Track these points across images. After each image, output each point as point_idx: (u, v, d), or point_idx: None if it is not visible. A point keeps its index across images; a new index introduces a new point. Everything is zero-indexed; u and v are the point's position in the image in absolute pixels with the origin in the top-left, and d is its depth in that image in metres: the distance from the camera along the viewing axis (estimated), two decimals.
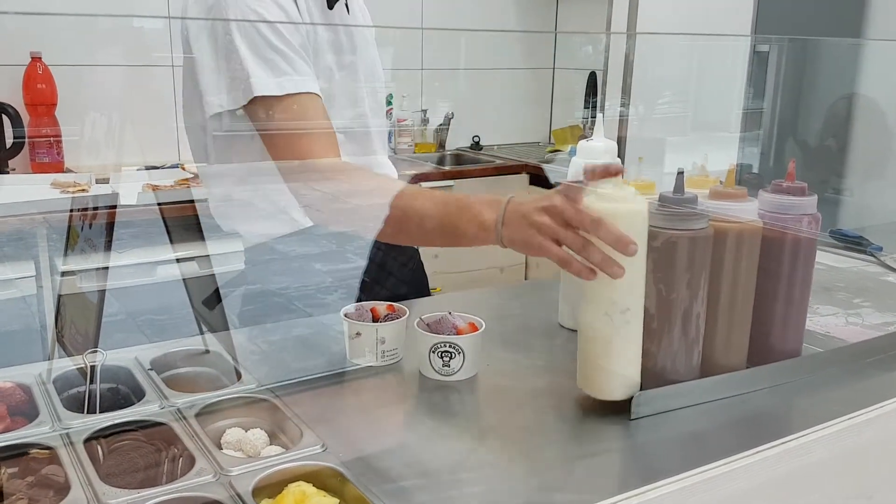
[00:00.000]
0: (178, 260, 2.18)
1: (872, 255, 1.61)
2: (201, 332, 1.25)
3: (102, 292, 1.79)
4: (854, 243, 1.66)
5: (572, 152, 2.92)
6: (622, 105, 2.47)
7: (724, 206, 0.95)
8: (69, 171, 2.38)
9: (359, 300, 1.13)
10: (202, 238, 2.18)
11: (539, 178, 2.95)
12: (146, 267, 2.22)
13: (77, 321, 1.48)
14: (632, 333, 0.90)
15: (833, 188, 2.61)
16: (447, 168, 3.10)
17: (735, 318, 0.98)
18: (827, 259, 1.60)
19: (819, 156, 2.66)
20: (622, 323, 0.89)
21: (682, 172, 0.93)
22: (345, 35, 1.29)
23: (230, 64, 1.13)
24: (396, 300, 1.14)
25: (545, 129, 3.49)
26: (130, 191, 2.11)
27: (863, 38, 2.78)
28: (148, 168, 2.49)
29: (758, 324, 1.01)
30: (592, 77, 3.07)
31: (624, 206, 0.86)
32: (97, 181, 2.13)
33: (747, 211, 0.96)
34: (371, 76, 1.34)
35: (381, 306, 1.10)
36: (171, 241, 2.12)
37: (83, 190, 2.07)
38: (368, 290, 1.37)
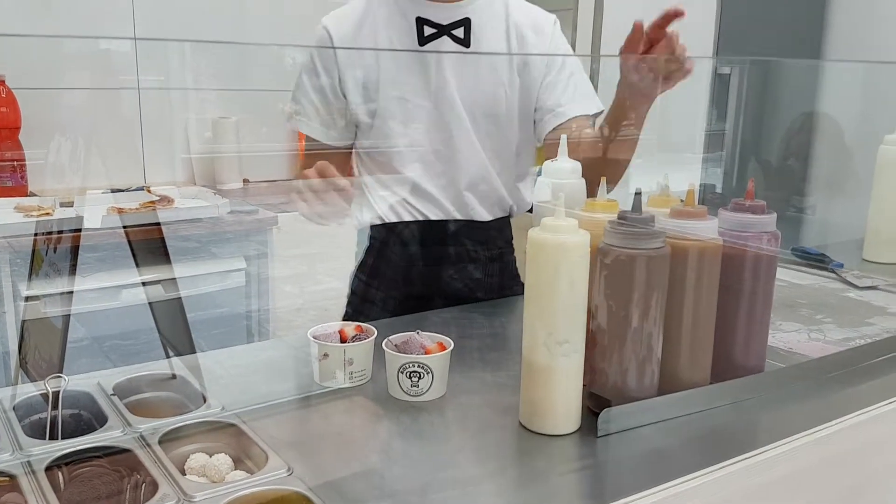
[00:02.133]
0: (143, 283, 2.16)
1: (833, 271, 1.64)
2: (167, 356, 1.24)
3: (67, 317, 1.77)
4: (816, 260, 1.69)
5: (539, 172, 2.94)
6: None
7: (685, 224, 0.97)
8: (33, 194, 2.34)
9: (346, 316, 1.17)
10: (168, 261, 2.16)
11: None
12: (111, 291, 2.19)
13: (41, 347, 1.45)
14: (571, 366, 0.91)
15: (795, 206, 2.66)
16: None
17: (698, 334, 1.00)
18: (789, 276, 1.63)
19: (781, 174, 2.72)
20: (560, 356, 0.89)
21: (640, 193, 0.94)
22: (433, 67, 1.38)
23: None
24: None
25: None
26: (95, 214, 2.09)
27: (822, 60, 2.86)
28: (113, 191, 2.47)
29: (721, 340, 1.02)
30: None
31: (567, 238, 0.88)
32: (61, 205, 2.11)
33: (707, 229, 0.98)
34: (476, 100, 1.40)
35: (350, 327, 1.09)
36: (137, 265, 2.10)
37: (47, 214, 2.04)
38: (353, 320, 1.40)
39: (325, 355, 1.04)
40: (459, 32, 1.39)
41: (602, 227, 0.95)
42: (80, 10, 2.46)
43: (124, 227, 2.10)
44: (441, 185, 1.42)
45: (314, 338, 1.06)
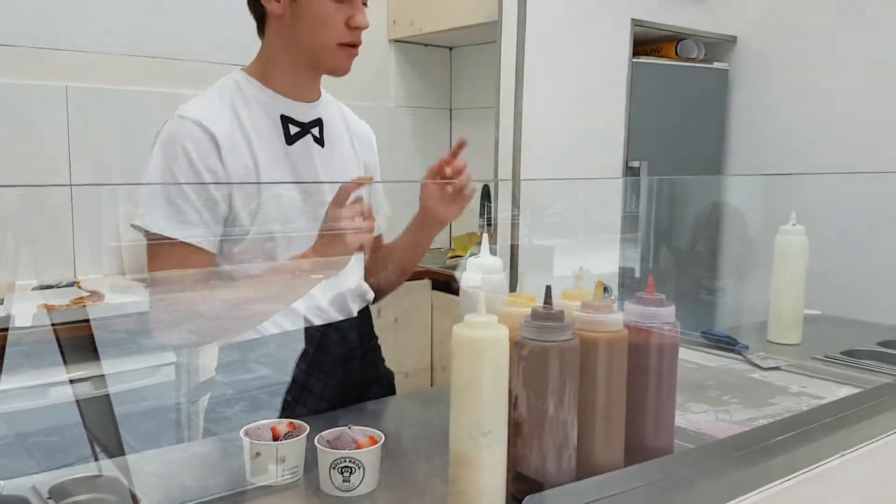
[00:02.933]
0: (71, 381, 2.13)
1: (740, 353, 1.75)
2: (95, 458, 1.25)
3: None
4: (724, 343, 1.81)
5: (471, 257, 3.03)
6: (513, 215, 2.63)
7: (594, 317, 1.06)
8: None
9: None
10: (97, 357, 2.15)
11: (441, 283, 3.05)
12: (38, 389, 2.15)
13: None
14: (495, 455, 0.97)
15: (707, 289, 2.82)
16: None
17: (610, 420, 1.07)
18: (698, 358, 1.74)
19: (692, 260, 2.88)
20: (485, 446, 0.96)
21: (550, 286, 1.03)
22: (303, 165, 1.43)
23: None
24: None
25: (445, 237, 3.64)
26: (25, 311, 2.08)
27: (723, 174, 3.09)
28: (43, 287, 2.45)
29: (631, 424, 1.10)
30: (486, 188, 3.25)
31: (487, 333, 0.96)
32: None
33: (614, 321, 1.07)
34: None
35: (282, 424, 1.13)
36: (65, 362, 2.08)
37: None
38: (291, 409, 1.43)
39: (258, 454, 1.07)
40: (317, 132, 1.45)
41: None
42: (13, 97, 2.50)
43: (53, 324, 2.10)
44: (319, 283, 1.46)
45: (246, 435, 1.09)
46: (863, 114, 2.98)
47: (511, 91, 2.64)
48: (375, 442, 1.09)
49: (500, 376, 0.97)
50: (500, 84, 2.66)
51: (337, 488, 1.05)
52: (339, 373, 1.51)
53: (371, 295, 1.60)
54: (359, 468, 1.05)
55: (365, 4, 1.39)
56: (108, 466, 1.14)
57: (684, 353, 1.78)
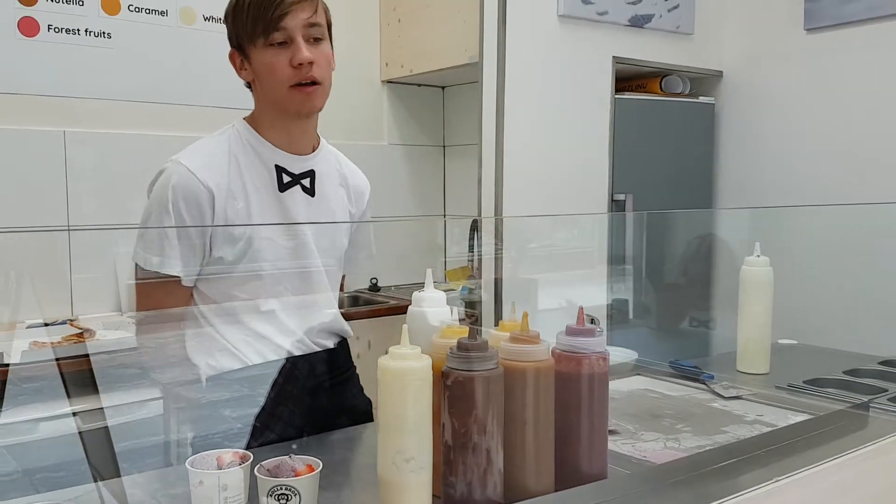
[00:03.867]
0: (74, 413, 2.19)
1: (704, 382, 1.77)
2: (95, 480, 1.31)
3: None
4: (691, 373, 1.83)
5: (464, 290, 3.06)
6: (496, 249, 2.67)
7: (519, 348, 1.10)
8: None
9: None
10: (90, 393, 2.22)
11: None
12: (34, 423, 2.22)
13: None
14: (420, 481, 1.01)
15: (697, 320, 2.84)
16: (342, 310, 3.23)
17: (539, 447, 1.10)
18: (662, 388, 1.76)
19: (681, 291, 2.90)
20: (408, 472, 1.00)
21: (474, 319, 1.07)
22: (292, 209, 1.51)
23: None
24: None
25: (440, 270, 3.70)
26: (16, 349, 2.16)
27: (714, 206, 3.12)
28: (47, 324, 2.53)
29: (562, 451, 1.13)
30: (475, 222, 3.31)
31: (409, 364, 1.00)
32: None
33: (541, 352, 1.10)
34: (322, 240, 1.58)
35: (228, 454, 1.17)
36: (68, 395, 2.15)
37: None
38: (260, 435, 1.49)
39: (201, 482, 1.12)
40: (307, 182, 1.54)
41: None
42: (13, 142, 2.61)
43: (44, 361, 2.17)
44: (299, 318, 1.54)
45: (191, 466, 1.14)
46: (848, 145, 3.00)
47: (493, 129, 2.70)
48: (313, 470, 1.13)
49: (420, 404, 1.01)
50: (482, 122, 2.73)
51: None
52: (308, 401, 1.56)
53: (349, 330, 1.67)
54: (295, 495, 1.09)
55: (318, 40, 1.46)
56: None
57: (651, 384, 1.81)
